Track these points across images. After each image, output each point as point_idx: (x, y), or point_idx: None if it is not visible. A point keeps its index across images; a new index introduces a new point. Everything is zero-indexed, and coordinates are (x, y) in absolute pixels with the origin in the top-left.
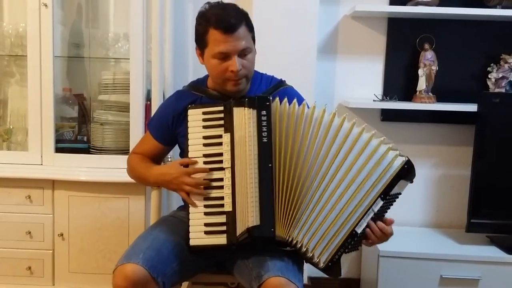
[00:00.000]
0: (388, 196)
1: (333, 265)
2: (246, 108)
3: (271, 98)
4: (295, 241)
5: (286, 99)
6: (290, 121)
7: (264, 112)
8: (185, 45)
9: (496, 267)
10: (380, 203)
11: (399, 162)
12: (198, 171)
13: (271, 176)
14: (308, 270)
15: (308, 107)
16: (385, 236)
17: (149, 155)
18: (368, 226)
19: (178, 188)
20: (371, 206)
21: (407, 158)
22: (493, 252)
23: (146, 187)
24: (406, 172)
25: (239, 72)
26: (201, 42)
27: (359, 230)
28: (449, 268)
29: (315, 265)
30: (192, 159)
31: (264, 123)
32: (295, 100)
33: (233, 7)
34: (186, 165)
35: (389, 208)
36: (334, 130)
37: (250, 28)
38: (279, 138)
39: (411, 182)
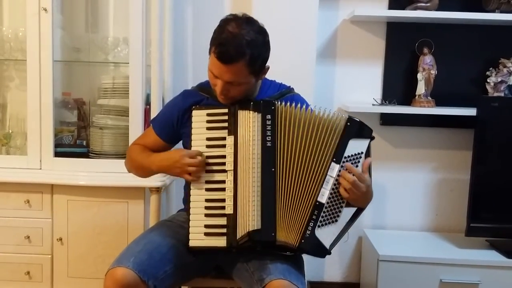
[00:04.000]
0: (343, 158)
1: (307, 242)
2: (251, 112)
3: (276, 102)
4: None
5: (289, 103)
6: (295, 125)
7: (269, 116)
8: (185, 50)
9: (495, 271)
10: (336, 167)
11: (343, 122)
12: (200, 154)
13: (273, 181)
14: (308, 274)
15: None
16: (361, 182)
17: (149, 149)
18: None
19: (181, 171)
20: (326, 173)
21: (347, 116)
22: (493, 256)
23: (145, 191)
24: (353, 130)
25: (222, 93)
26: (210, 49)
27: (322, 199)
28: (448, 272)
29: (292, 249)
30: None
31: (269, 127)
32: (298, 104)
33: (242, 38)
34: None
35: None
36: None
37: (252, 64)
38: (283, 142)
39: (370, 138)
